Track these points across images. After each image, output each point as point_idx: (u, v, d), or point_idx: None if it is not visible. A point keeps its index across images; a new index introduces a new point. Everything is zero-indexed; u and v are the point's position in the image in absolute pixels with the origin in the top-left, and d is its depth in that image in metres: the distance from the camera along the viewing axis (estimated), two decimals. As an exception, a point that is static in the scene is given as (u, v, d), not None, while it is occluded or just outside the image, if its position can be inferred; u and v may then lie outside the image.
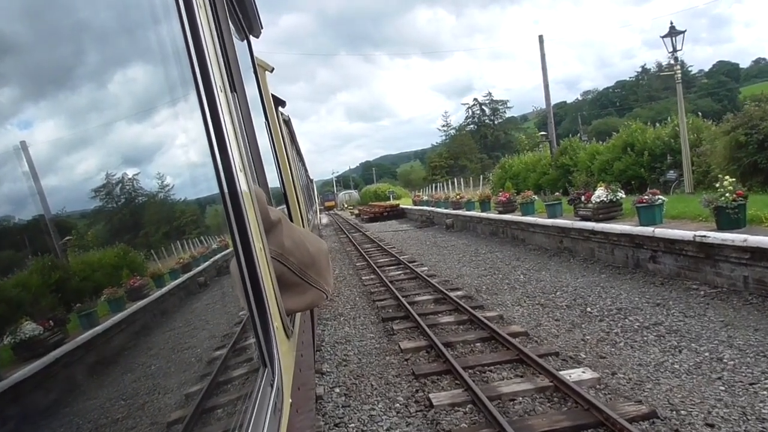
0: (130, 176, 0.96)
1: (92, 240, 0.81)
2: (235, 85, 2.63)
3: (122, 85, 1.04)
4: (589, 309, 9.46)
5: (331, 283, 2.03)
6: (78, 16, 0.91)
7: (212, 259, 1.43)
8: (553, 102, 31.29)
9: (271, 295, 1.48)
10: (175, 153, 1.31)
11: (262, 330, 1.37)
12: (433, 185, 65.37)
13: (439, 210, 30.48)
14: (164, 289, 1.08)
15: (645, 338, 7.64)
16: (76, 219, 0.78)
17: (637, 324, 8.28)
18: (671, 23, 18.72)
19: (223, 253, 1.47)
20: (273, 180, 4.47)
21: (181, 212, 1.29)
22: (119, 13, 1.11)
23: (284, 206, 4.75)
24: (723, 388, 5.79)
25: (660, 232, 10.90)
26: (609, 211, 13.70)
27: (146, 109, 1.17)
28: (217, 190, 1.28)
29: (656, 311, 8.78)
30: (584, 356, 7.25)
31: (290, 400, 1.57)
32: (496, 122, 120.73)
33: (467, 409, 6.04)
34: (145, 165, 1.08)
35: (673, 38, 18.61)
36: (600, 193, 13.81)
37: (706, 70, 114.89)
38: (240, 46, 3.11)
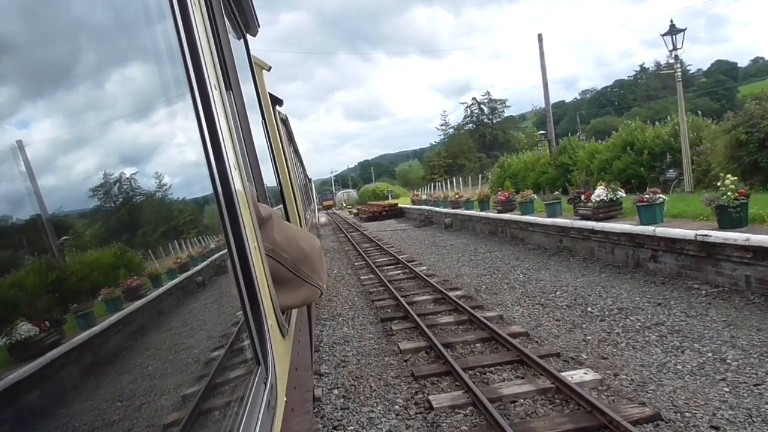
0: (124, 175, 0.96)
1: (89, 239, 0.81)
2: (230, 83, 2.63)
3: (115, 83, 1.03)
4: (589, 309, 9.37)
5: (325, 278, 2.04)
6: (69, 13, 0.90)
7: (206, 258, 1.40)
8: (551, 101, 31.21)
9: (265, 293, 1.48)
10: (169, 151, 1.29)
11: (256, 328, 1.37)
12: (432, 184, 65.39)
13: (437, 209, 30.37)
14: (160, 290, 1.07)
15: (647, 338, 7.55)
16: (73, 219, 0.77)
17: (639, 324, 8.19)
18: (671, 21, 18.69)
19: (217, 251, 1.45)
20: (270, 179, 4.46)
21: (175, 211, 1.27)
22: (112, 10, 1.10)
23: (281, 205, 4.74)
24: (727, 389, 5.71)
25: (661, 231, 10.82)
26: (609, 210, 13.62)
27: (139, 108, 1.16)
28: (210, 189, 1.27)
29: (658, 311, 8.70)
30: (586, 357, 7.16)
31: (285, 399, 1.56)
32: (494, 121, 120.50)
33: (468, 412, 5.95)
34: (138, 163, 1.07)
35: (674, 36, 18.55)
36: (600, 192, 13.72)
37: (705, 69, 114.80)
38: (236, 45, 3.10)
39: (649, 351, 7.09)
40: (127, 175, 0.97)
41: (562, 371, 6.50)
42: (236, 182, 1.38)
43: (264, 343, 1.39)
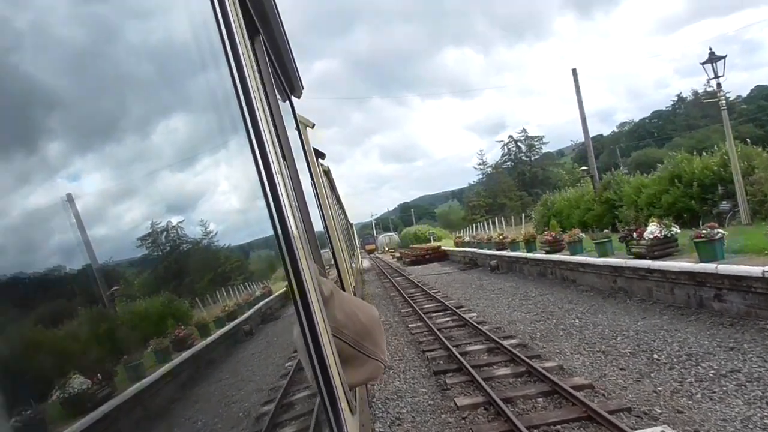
0: (174, 224, 0.95)
1: (139, 289, 0.80)
2: (282, 144, 2.74)
3: (182, 137, 1.08)
4: (655, 356, 8.84)
5: (386, 351, 1.97)
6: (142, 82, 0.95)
7: (272, 315, 1.45)
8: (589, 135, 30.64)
9: (335, 374, 1.45)
10: (233, 208, 1.36)
11: (333, 413, 1.35)
12: (474, 225, 64.73)
13: (482, 251, 29.93)
14: (216, 335, 1.04)
15: (724, 388, 7.03)
16: (124, 268, 0.77)
17: (712, 372, 7.66)
18: (710, 49, 18.28)
19: (285, 306, 1.47)
20: (317, 226, 4.63)
21: (242, 263, 1.32)
22: (184, 80, 1.19)
23: (329, 249, 4.89)
24: (826, 447, 5.20)
25: (723, 268, 10.28)
26: (664, 247, 13.08)
27: (207, 167, 1.22)
28: (273, 237, 1.31)
29: (731, 356, 8.13)
30: (659, 411, 6.68)
31: None
32: (532, 158, 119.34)
33: (537, 477, 5.56)
34: (200, 215, 1.10)
35: (714, 64, 18.12)
36: (653, 229, 13.23)
37: (744, 95, 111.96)
38: (284, 107, 3.30)
39: (729, 403, 6.57)
40: (181, 226, 0.97)
41: (636, 429, 6.05)
42: (305, 268, 1.35)
43: (341, 427, 1.36)
